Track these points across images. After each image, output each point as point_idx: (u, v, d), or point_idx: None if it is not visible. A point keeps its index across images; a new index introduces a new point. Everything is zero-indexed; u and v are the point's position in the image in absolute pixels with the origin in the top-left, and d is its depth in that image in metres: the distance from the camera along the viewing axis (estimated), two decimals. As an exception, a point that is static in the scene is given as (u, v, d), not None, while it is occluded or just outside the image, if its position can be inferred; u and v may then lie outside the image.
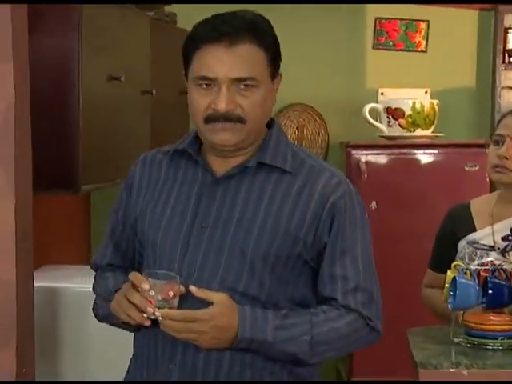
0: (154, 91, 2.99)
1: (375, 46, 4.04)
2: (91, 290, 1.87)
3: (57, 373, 2.50)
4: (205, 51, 1.65)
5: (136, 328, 1.71)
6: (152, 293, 1.58)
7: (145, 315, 1.60)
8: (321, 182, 1.69)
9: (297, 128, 4.01)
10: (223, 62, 1.64)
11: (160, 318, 1.58)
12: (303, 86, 3.98)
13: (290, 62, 3.94)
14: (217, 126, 1.66)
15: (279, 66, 1.79)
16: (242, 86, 1.64)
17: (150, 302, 1.58)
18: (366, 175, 3.49)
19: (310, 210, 1.67)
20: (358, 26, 4.01)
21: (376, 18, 4.02)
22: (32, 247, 2.03)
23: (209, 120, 1.66)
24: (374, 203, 3.48)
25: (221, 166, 1.72)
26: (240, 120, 1.65)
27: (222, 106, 1.63)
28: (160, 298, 1.58)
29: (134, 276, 1.63)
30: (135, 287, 1.62)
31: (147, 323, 1.61)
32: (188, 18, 3.81)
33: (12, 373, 1.90)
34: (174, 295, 1.59)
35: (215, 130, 1.66)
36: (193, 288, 1.60)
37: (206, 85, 1.65)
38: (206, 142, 1.72)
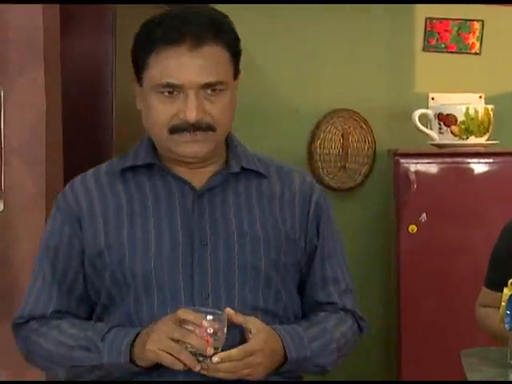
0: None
1: (425, 48, 4.01)
2: None
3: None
4: (165, 55, 1.57)
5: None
6: (210, 330, 1.47)
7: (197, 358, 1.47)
8: (295, 182, 1.73)
9: (341, 135, 3.99)
10: (188, 66, 1.56)
11: (214, 360, 1.47)
12: (348, 91, 3.96)
13: (333, 65, 3.97)
14: (185, 137, 1.59)
15: (239, 63, 1.69)
16: (210, 92, 1.58)
17: (207, 341, 1.47)
18: (415, 186, 3.45)
19: (297, 212, 1.69)
20: (407, 26, 3.98)
21: (426, 18, 3.98)
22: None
23: (175, 131, 1.59)
24: (423, 216, 3.44)
25: (193, 177, 1.65)
26: (210, 128, 1.59)
27: (191, 115, 1.56)
28: (215, 337, 1.47)
29: (186, 313, 1.49)
30: (181, 325, 1.48)
31: (197, 368, 1.48)
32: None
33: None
34: (222, 332, 1.49)
35: (184, 142, 1.59)
36: (230, 311, 1.53)
37: (169, 92, 1.58)
38: (171, 153, 1.63)
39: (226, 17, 1.66)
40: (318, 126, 3.97)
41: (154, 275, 1.58)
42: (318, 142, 3.97)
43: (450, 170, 3.55)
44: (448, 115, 3.62)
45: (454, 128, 3.61)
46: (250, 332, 1.53)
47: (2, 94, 2.16)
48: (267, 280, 1.63)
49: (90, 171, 1.72)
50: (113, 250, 1.61)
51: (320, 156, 3.96)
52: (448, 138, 3.62)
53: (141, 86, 1.64)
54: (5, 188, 2.16)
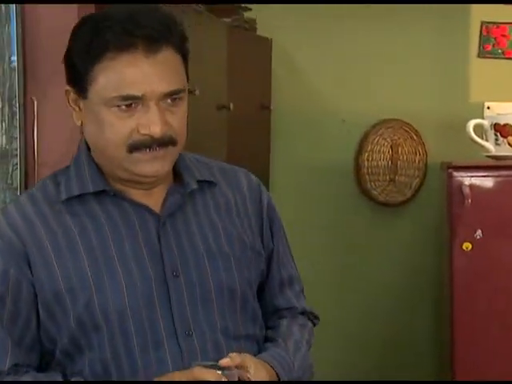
0: (231, 105, 3.01)
1: (481, 54, 3.98)
2: None
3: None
4: (119, 62, 1.45)
5: None
6: None
7: None
8: (243, 183, 1.69)
9: (391, 147, 3.97)
10: (148, 74, 1.45)
11: None
12: (398, 100, 3.94)
13: (382, 72, 3.96)
14: (148, 155, 1.48)
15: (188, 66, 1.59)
16: (169, 101, 1.49)
17: None
18: (469, 200, 3.41)
19: (251, 216, 1.66)
20: (462, 31, 3.95)
21: (482, 23, 3.95)
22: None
23: (136, 148, 1.48)
24: (479, 232, 3.40)
25: (148, 199, 1.57)
26: (172, 142, 1.50)
27: (156, 129, 1.46)
28: None
29: (204, 372, 1.42)
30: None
31: None
32: (269, 24, 3.85)
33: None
34: None
35: (145, 160, 1.49)
36: (226, 362, 1.46)
37: (127, 106, 1.46)
38: (125, 173, 1.53)
39: (174, 16, 1.54)
40: (365, 137, 3.95)
41: (129, 315, 1.49)
42: (366, 154, 3.95)
43: (507, 184, 3.51)
44: (505, 125, 3.58)
45: (512, 139, 3.57)
46: (248, 371, 1.49)
47: (36, 104, 2.18)
48: (243, 302, 1.61)
49: (23, 198, 1.57)
50: (76, 292, 1.48)
51: (368, 169, 3.94)
52: (505, 150, 3.58)
53: (84, 98, 1.50)
54: None
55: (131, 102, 1.46)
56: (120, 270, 1.50)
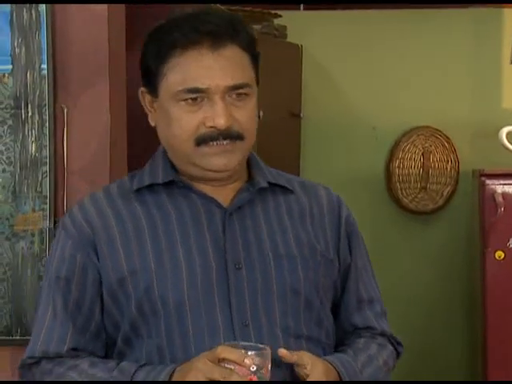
0: (260, 113, 3.00)
1: (514, 60, 3.95)
2: None
3: None
4: (185, 58, 1.51)
5: None
6: (253, 368, 1.40)
7: None
8: (322, 198, 1.69)
9: (422, 154, 3.94)
10: (212, 68, 1.51)
11: None
12: (429, 107, 3.92)
13: (413, 79, 3.93)
14: (215, 148, 1.52)
15: (259, 68, 1.63)
16: (235, 96, 1.53)
17: (251, 379, 1.40)
18: (502, 209, 3.37)
19: (328, 228, 1.66)
20: (494, 36, 3.92)
21: (515, 28, 3.92)
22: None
23: (203, 141, 1.52)
24: (512, 241, 3.37)
25: (218, 194, 1.59)
26: (239, 137, 1.53)
27: (221, 121, 1.50)
28: (259, 374, 1.41)
29: (226, 351, 1.41)
30: (221, 363, 1.41)
31: None
32: (299, 32, 3.85)
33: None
34: (267, 369, 1.43)
35: (213, 153, 1.53)
36: (284, 351, 1.46)
37: (193, 99, 1.51)
38: (195, 168, 1.57)
39: (238, 16, 1.60)
40: (396, 144, 3.93)
41: (187, 302, 1.51)
42: (397, 161, 3.92)
43: (541, 192, 3.46)
44: (538, 132, 3.54)
45: (545, 146, 3.53)
46: (305, 367, 1.48)
47: (66, 112, 2.19)
48: (308, 304, 1.58)
49: (100, 191, 1.64)
50: (138, 277, 1.52)
51: (399, 176, 3.92)
52: (539, 158, 3.54)
53: (156, 97, 1.57)
54: (67, 211, 2.18)
55: (197, 96, 1.51)
56: (182, 258, 1.53)
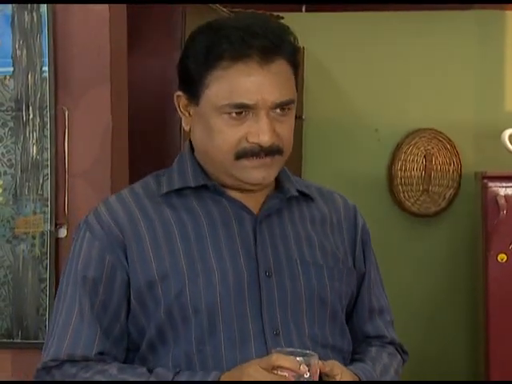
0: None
1: (516, 63, 3.94)
2: None
3: None
4: (233, 71, 1.48)
5: None
6: (307, 375, 1.40)
7: None
8: (339, 205, 1.69)
9: (424, 157, 3.94)
10: (261, 83, 1.48)
11: None
12: (431, 109, 3.91)
13: (415, 81, 3.92)
14: (254, 162, 1.51)
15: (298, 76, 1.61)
16: (279, 111, 1.50)
17: None
18: (505, 211, 3.37)
19: (345, 236, 1.66)
20: (497, 38, 3.91)
21: (518, 31, 3.92)
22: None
23: (244, 155, 1.50)
24: (515, 244, 3.36)
25: (248, 200, 1.57)
26: (279, 152, 1.52)
27: (265, 138, 1.48)
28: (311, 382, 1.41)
29: (282, 358, 1.40)
30: (273, 371, 1.40)
31: None
32: (301, 34, 3.84)
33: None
34: (318, 376, 1.44)
35: (252, 167, 1.51)
36: (320, 363, 1.44)
37: (237, 113, 1.49)
38: (230, 179, 1.55)
39: (284, 25, 1.57)
40: (398, 146, 3.92)
41: (220, 309, 1.49)
42: (399, 163, 3.92)
43: (544, 195, 3.46)
44: (541, 135, 3.54)
45: (548, 149, 3.52)
46: (334, 377, 1.47)
47: (67, 114, 2.18)
48: (333, 313, 1.59)
49: (125, 191, 1.60)
50: (169, 281, 1.49)
51: (401, 179, 3.91)
52: (541, 160, 3.54)
53: (196, 104, 1.53)
54: (68, 213, 2.18)
55: (242, 110, 1.49)
56: (214, 264, 1.51)
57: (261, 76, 1.48)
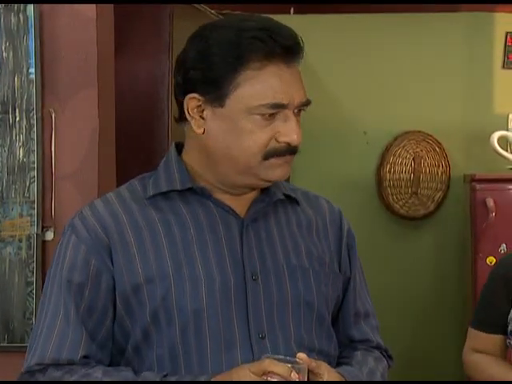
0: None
1: (506, 65, 3.96)
2: None
3: None
4: (265, 71, 1.49)
5: None
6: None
7: None
8: (324, 209, 1.70)
9: (413, 159, 3.95)
10: (291, 84, 1.51)
11: None
12: (420, 111, 3.93)
13: (404, 84, 3.94)
14: (280, 161, 1.53)
15: None
16: (297, 111, 1.53)
17: None
18: (493, 214, 3.39)
19: (331, 241, 1.67)
20: (486, 41, 3.94)
21: (507, 33, 3.93)
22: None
23: (272, 155, 1.52)
24: (503, 246, 3.38)
25: (235, 203, 1.58)
26: (296, 151, 1.56)
27: (295, 138, 1.51)
28: None
29: (274, 364, 1.41)
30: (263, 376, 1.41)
31: None
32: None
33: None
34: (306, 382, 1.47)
35: (277, 165, 1.53)
36: (303, 356, 1.46)
37: (270, 114, 1.49)
38: (249, 178, 1.55)
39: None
40: (387, 149, 3.94)
41: (205, 312, 1.49)
42: (388, 166, 3.93)
43: (533, 198, 3.48)
44: (530, 137, 3.56)
45: (537, 151, 3.55)
46: (321, 377, 1.49)
47: (54, 116, 2.19)
48: (320, 317, 1.60)
49: (111, 194, 1.59)
50: (155, 285, 1.50)
51: (390, 181, 3.93)
52: (530, 163, 3.56)
53: (221, 106, 1.51)
54: (55, 216, 2.18)
55: (276, 111, 1.50)
56: (200, 268, 1.51)
57: (289, 75, 1.51)
